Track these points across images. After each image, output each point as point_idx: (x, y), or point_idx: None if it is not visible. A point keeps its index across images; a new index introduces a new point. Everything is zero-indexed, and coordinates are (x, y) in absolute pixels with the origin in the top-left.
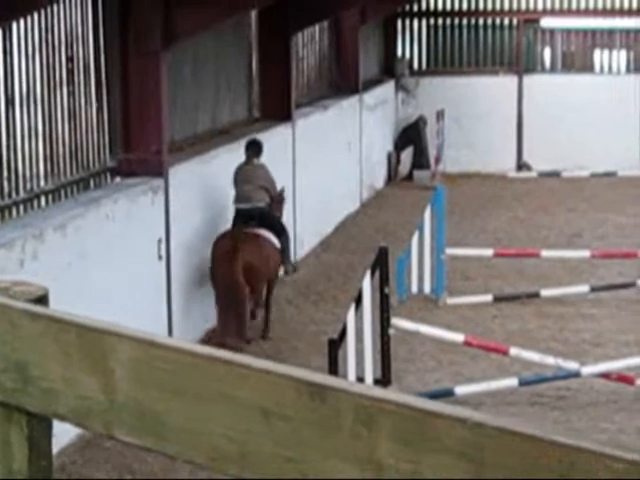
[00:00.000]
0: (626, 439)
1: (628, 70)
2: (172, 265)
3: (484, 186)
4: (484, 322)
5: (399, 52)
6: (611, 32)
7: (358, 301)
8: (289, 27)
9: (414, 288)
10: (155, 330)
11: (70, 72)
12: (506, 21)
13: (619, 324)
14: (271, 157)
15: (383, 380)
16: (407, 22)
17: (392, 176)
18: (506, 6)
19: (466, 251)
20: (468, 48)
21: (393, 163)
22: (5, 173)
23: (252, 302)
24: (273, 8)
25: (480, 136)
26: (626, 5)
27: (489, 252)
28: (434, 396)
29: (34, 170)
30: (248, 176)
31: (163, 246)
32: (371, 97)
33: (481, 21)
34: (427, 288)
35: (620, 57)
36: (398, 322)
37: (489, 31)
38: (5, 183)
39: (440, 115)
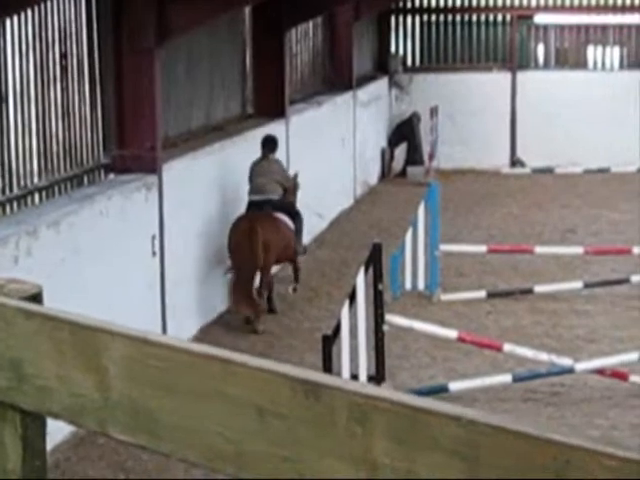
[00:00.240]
0: (620, 435)
1: (621, 66)
2: (166, 261)
3: (478, 182)
4: (478, 318)
5: (393, 48)
6: (604, 28)
7: (352, 297)
8: (283, 23)
9: (408, 284)
10: (149, 326)
11: (64, 69)
12: (499, 17)
13: (613, 320)
14: None
15: (377, 376)
16: (401, 18)
17: (386, 172)
18: (499, 2)
19: (460, 247)
20: (462, 44)
21: (387, 159)
22: None
23: (268, 279)
24: (267, 4)
25: (474, 132)
26: (619, 1)
27: (483, 248)
28: (428, 392)
29: (28, 167)
30: (263, 170)
31: (157, 242)
32: (365, 93)
33: (474, 17)
34: (421, 284)
35: (614, 53)
36: (392, 318)
37: (482, 27)
38: None
39: (434, 111)
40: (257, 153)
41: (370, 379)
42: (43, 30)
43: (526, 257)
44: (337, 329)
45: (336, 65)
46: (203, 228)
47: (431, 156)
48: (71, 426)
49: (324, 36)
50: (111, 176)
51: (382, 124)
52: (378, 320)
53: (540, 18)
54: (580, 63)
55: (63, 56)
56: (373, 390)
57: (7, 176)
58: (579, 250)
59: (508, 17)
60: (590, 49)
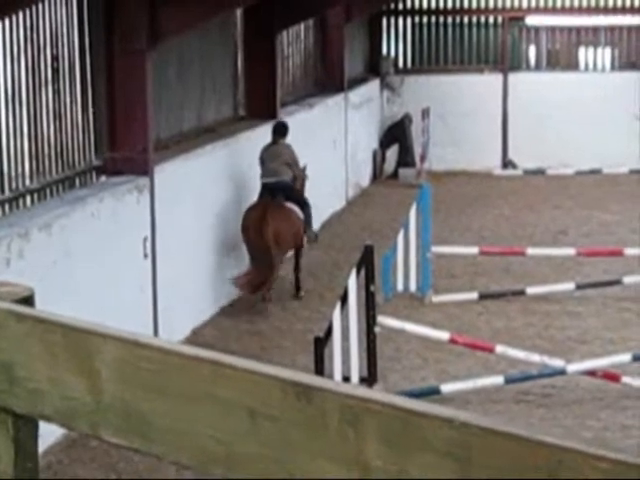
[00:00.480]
0: (612, 436)
1: (613, 68)
2: (158, 263)
3: (469, 184)
4: (470, 320)
5: (384, 50)
6: (596, 30)
7: (344, 299)
8: (274, 26)
9: (400, 286)
10: (140, 328)
11: (55, 71)
12: (491, 19)
13: (605, 322)
14: (256, 155)
15: (369, 378)
16: (392, 20)
17: (377, 174)
18: (491, 4)
19: (452, 249)
20: (453, 46)
21: (378, 161)
22: None
23: (278, 265)
24: (258, 7)
25: (465, 134)
26: (610, 3)
27: (475, 250)
28: (420, 394)
29: (19, 169)
30: (274, 154)
31: (149, 244)
32: (356, 95)
33: (466, 19)
34: (413, 286)
35: (605, 55)
36: (384, 320)
37: (474, 29)
38: None
39: (425, 113)
40: (249, 155)
41: (362, 381)
42: (34, 33)
43: (518, 259)
44: (329, 331)
45: (327, 67)
46: (195, 230)
47: (423, 158)
48: (63, 429)
49: (315, 38)
50: (103, 178)
51: (374, 126)
52: (370, 322)
53: (531, 20)
54: (571, 64)
55: (55, 59)
56: (365, 392)
57: None
58: (571, 251)
59: (499, 19)
60: (581, 50)
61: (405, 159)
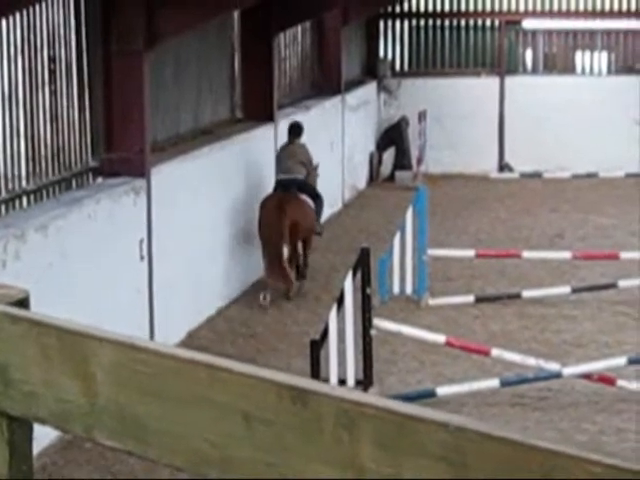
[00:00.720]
0: (607, 440)
1: (609, 71)
2: (154, 265)
3: (466, 187)
4: (466, 323)
5: (381, 53)
6: (592, 33)
7: (340, 302)
8: (271, 28)
9: (396, 289)
10: (137, 331)
11: (52, 72)
12: (488, 22)
13: (600, 325)
14: (253, 157)
15: (365, 381)
16: (389, 23)
17: (374, 177)
18: (488, 7)
19: (448, 252)
20: (450, 49)
21: (375, 164)
22: None
23: (297, 253)
24: (256, 9)
25: (462, 137)
26: (607, 7)
27: (471, 253)
28: (416, 397)
29: (16, 170)
30: (290, 153)
31: (145, 246)
32: (353, 98)
33: (463, 22)
34: (409, 289)
35: (602, 58)
36: (380, 323)
37: (471, 32)
38: None
39: (422, 116)
40: (245, 156)
41: (358, 384)
42: (32, 34)
43: (514, 262)
44: (325, 333)
45: (325, 69)
46: (191, 232)
47: (419, 160)
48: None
49: (313, 41)
50: (99, 180)
51: (370, 128)
52: (366, 324)
53: (528, 23)
54: (568, 68)
55: (52, 60)
56: (360, 396)
57: None
58: (567, 255)
59: (496, 22)
60: (578, 54)
61: (402, 162)
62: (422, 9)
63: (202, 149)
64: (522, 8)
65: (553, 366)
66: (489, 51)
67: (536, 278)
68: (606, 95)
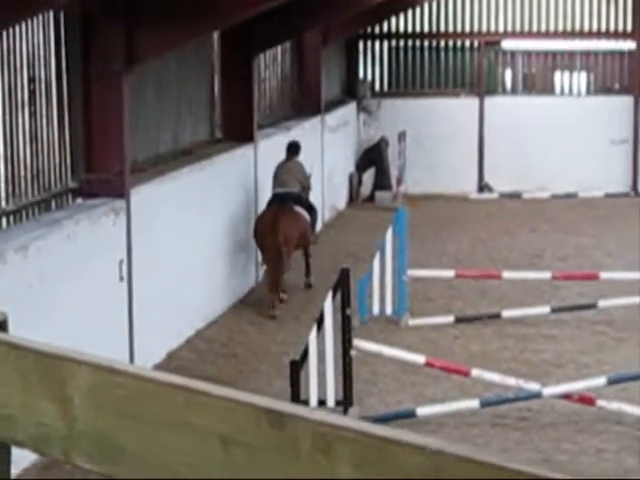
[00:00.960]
0: (587, 460)
1: (588, 92)
2: (134, 286)
3: (446, 207)
4: (446, 343)
5: (361, 74)
6: (571, 54)
7: (320, 322)
8: (251, 48)
9: (376, 309)
10: (116, 352)
11: (32, 93)
12: (467, 43)
13: (580, 345)
14: (233, 178)
15: (345, 402)
16: (369, 44)
17: (354, 197)
18: (467, 28)
19: (428, 272)
20: (429, 70)
21: (355, 184)
22: None
23: (288, 264)
24: (235, 29)
25: (442, 157)
26: (586, 27)
27: (451, 273)
28: (396, 417)
29: None
30: (287, 169)
31: (125, 267)
32: (333, 118)
33: (442, 43)
34: (389, 309)
35: (581, 79)
36: (360, 343)
37: (450, 53)
38: None
39: (402, 136)
40: (225, 177)
41: (338, 404)
42: (11, 54)
43: (494, 282)
44: (305, 354)
45: (304, 90)
46: (171, 253)
47: (399, 181)
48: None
49: (292, 61)
50: (79, 201)
51: (350, 149)
52: (346, 345)
53: (507, 44)
54: (547, 88)
55: (31, 80)
56: (337, 419)
57: None
58: (547, 275)
59: (476, 43)
60: (557, 75)
61: (381, 182)
62: (402, 30)
63: (182, 170)
64: (501, 29)
65: (533, 386)
66: (468, 72)
67: (516, 298)
68: (585, 115)
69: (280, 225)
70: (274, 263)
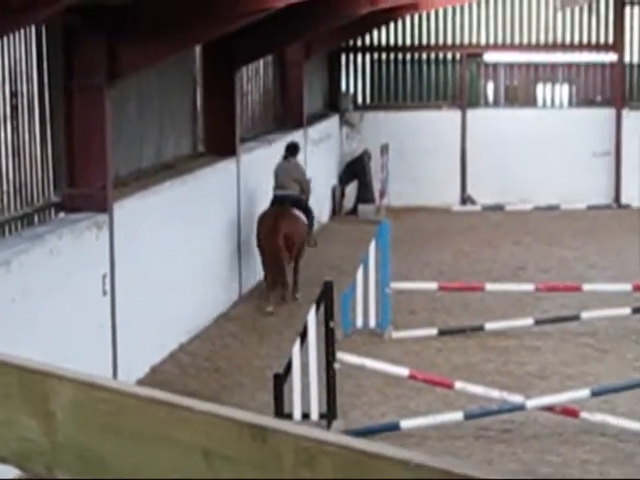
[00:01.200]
0: (571, 472)
1: (570, 104)
2: (117, 300)
3: (428, 220)
4: (429, 356)
5: (343, 87)
6: (554, 66)
7: (303, 335)
8: (233, 62)
9: (359, 322)
10: (99, 366)
11: (14, 108)
12: (449, 56)
13: (563, 357)
14: (216, 191)
15: (329, 414)
16: (351, 57)
17: (337, 210)
18: (449, 41)
19: (411, 285)
20: (412, 83)
21: (338, 197)
22: None
23: (289, 265)
24: (217, 43)
25: (424, 170)
26: (568, 40)
27: (434, 286)
28: (380, 430)
29: None
30: (286, 170)
31: (108, 281)
32: (315, 131)
33: (424, 56)
34: (372, 322)
35: (563, 91)
36: (343, 356)
37: (432, 66)
38: None
39: (384, 149)
40: (207, 191)
41: (322, 417)
42: None
43: (477, 294)
44: (288, 367)
45: (287, 103)
46: (154, 267)
47: (382, 194)
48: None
49: (275, 75)
50: (62, 215)
51: (333, 162)
52: (329, 358)
53: (489, 56)
54: (529, 101)
55: (13, 95)
56: (320, 434)
57: None
58: (529, 287)
59: (458, 55)
60: (539, 87)
61: (364, 195)
62: (384, 43)
63: (164, 184)
64: (483, 41)
65: (516, 398)
66: (450, 84)
67: (499, 310)
68: (567, 128)
69: (280, 228)
70: (274, 264)
